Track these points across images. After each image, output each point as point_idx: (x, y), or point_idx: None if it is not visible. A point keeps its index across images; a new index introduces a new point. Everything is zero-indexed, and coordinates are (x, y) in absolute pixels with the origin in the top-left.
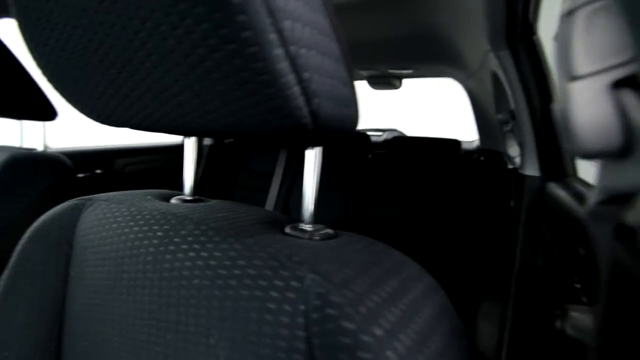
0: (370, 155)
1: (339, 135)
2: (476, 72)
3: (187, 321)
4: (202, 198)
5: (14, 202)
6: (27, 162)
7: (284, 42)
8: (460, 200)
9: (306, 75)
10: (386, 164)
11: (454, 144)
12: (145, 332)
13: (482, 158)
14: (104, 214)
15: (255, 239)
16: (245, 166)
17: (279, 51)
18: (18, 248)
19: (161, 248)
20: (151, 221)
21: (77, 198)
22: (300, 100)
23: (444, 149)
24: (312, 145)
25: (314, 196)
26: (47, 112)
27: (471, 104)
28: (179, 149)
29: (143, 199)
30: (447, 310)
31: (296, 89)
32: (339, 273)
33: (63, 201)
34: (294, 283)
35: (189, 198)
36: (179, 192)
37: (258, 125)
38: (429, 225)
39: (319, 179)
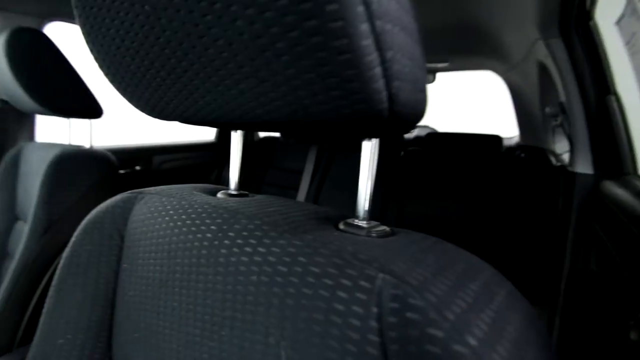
0: (402, 153)
1: (411, 122)
2: (519, 64)
3: (243, 318)
4: (247, 193)
5: (65, 195)
6: (76, 158)
7: (370, 15)
8: (502, 200)
9: (390, 54)
10: (420, 161)
11: (495, 140)
12: (199, 326)
13: (522, 155)
14: (156, 206)
15: (313, 235)
16: (274, 163)
17: (364, 26)
18: (72, 239)
19: (215, 242)
20: (203, 215)
21: (128, 191)
22: (380, 83)
23: (484, 145)
24: (379, 135)
25: (369, 191)
26: (93, 111)
27: (512, 98)
28: (211, 146)
29: (191, 193)
30: (533, 319)
31: (378, 70)
32: (413, 273)
33: (109, 195)
34: (363, 283)
35: (234, 192)
36: (224, 187)
37: (325, 113)
38: (467, 225)
39: (374, 173)
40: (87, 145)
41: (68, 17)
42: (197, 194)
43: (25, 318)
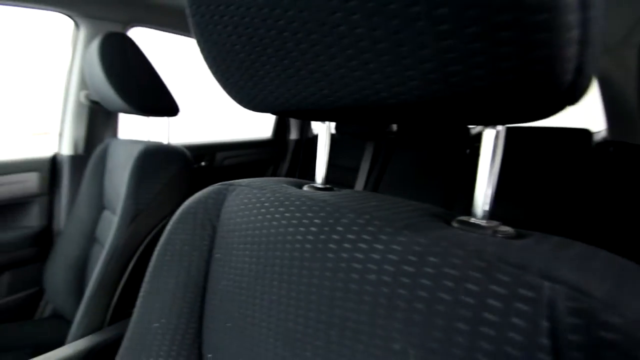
0: (468, 150)
1: (577, 99)
2: (614, 48)
3: (357, 319)
4: (332, 187)
5: (149, 187)
6: (158, 153)
7: None
8: (595, 203)
9: (592, 13)
10: None
11: (584, 134)
12: (301, 323)
13: (610, 149)
14: (249, 198)
15: (437, 233)
16: (329, 161)
17: None
18: (167, 228)
19: (322, 236)
20: (303, 207)
21: (220, 183)
22: (573, 50)
23: (570, 140)
24: (537, 115)
25: (492, 186)
26: (171, 109)
27: (600, 87)
28: (267, 143)
29: (281, 186)
30: None
31: (575, 33)
32: (592, 284)
33: (186, 187)
34: (524, 291)
35: (321, 186)
36: (307, 181)
37: (478, 90)
38: (554, 230)
39: (499, 167)
40: (165, 142)
41: (147, 23)
42: (287, 187)
43: (114, 299)
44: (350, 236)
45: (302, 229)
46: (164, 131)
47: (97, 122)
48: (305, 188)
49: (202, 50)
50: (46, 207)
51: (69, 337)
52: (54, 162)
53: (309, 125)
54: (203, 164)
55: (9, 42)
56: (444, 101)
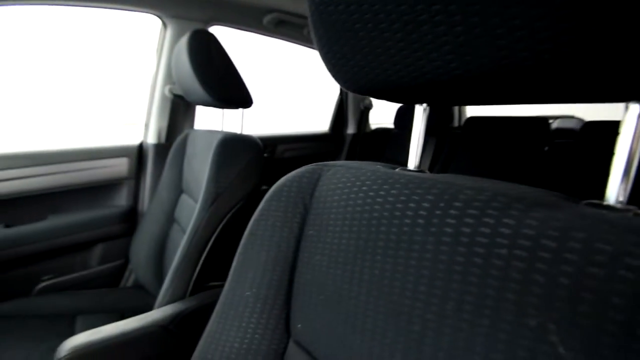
0: (547, 148)
1: None
2: None
3: (482, 293)
4: (426, 171)
5: (227, 173)
6: (235, 141)
7: None
8: None
9: None
10: (573, 156)
11: None
12: (409, 296)
13: None
14: (347, 177)
15: (576, 210)
16: (386, 155)
17: None
18: (260, 205)
19: (437, 212)
20: (410, 185)
21: (313, 164)
22: None
23: None
24: None
25: (635, 165)
26: (246, 101)
27: None
28: (325, 137)
29: (377, 168)
30: None
31: None
32: None
33: (258, 174)
34: None
35: (414, 170)
36: (397, 165)
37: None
38: None
39: None
40: (239, 132)
41: (225, 22)
42: (383, 168)
43: (195, 273)
44: (471, 211)
45: (412, 205)
46: (238, 122)
47: (178, 114)
48: (397, 170)
49: (316, 32)
50: (133, 189)
51: (156, 304)
52: (140, 150)
53: (367, 119)
54: (265, 155)
55: (105, 43)
56: (580, 65)
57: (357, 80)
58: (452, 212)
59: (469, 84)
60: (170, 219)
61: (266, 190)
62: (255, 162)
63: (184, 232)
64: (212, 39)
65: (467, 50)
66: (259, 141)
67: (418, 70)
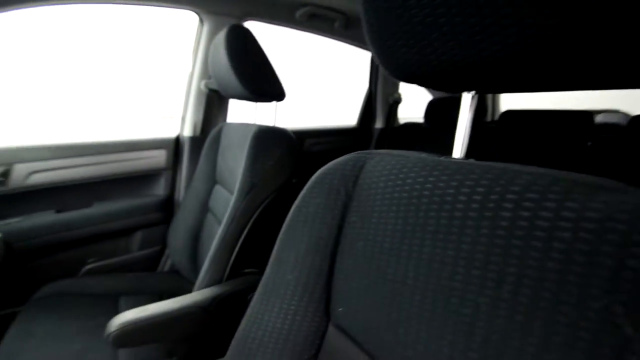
0: (590, 143)
1: None
2: None
3: (540, 276)
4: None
5: (262, 164)
6: (269, 134)
7: None
8: None
9: None
10: (619, 153)
11: None
12: (460, 280)
13: None
14: (392, 165)
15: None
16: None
17: None
18: (302, 192)
19: (492, 196)
20: (462, 171)
21: (357, 152)
22: None
23: None
24: None
25: None
26: (279, 94)
27: None
28: (352, 132)
29: (421, 155)
30: None
31: None
32: None
33: (292, 165)
34: None
35: (460, 158)
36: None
37: None
38: None
39: None
40: (272, 124)
41: (258, 17)
42: (430, 157)
43: (231, 260)
44: (531, 195)
45: (465, 189)
46: (271, 115)
47: (212, 108)
48: (443, 159)
49: (368, 20)
50: (170, 179)
51: (195, 287)
52: (177, 142)
53: (396, 114)
54: None
55: (145, 40)
56: None
57: (407, 68)
58: (510, 196)
59: (529, 65)
60: (204, 209)
61: (296, 183)
62: (289, 154)
63: (217, 221)
64: (248, 34)
65: (532, 29)
66: (292, 134)
67: (475, 53)
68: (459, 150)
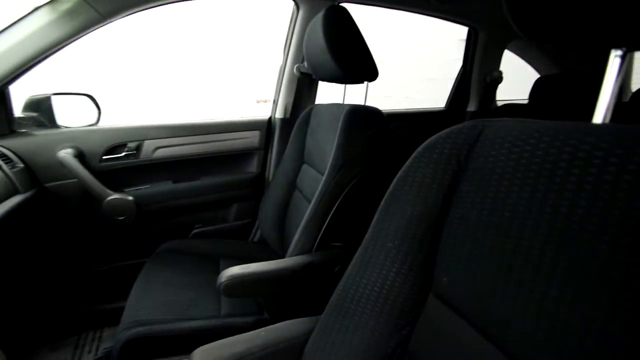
0: None
1: None
2: None
3: None
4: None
5: (353, 142)
6: (361, 112)
7: None
8: None
9: None
10: None
11: None
12: (603, 258)
13: None
14: (520, 131)
15: None
16: None
17: None
18: (408, 162)
19: (636, 158)
20: (609, 137)
21: (471, 121)
22: None
23: None
24: None
25: None
26: (372, 73)
27: None
28: (440, 115)
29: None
30: None
31: None
32: None
33: (383, 144)
34: None
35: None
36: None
37: None
38: None
39: None
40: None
41: None
42: (559, 123)
43: (321, 232)
44: None
45: (598, 153)
46: (362, 94)
47: (303, 91)
48: (583, 123)
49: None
50: (262, 158)
51: (288, 254)
52: (269, 124)
53: (493, 95)
54: None
55: (242, 30)
56: None
57: (545, 23)
58: None
59: None
60: (292, 186)
61: (385, 162)
62: (380, 133)
63: (305, 198)
64: (345, 14)
65: None
66: (383, 113)
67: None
68: (601, 114)
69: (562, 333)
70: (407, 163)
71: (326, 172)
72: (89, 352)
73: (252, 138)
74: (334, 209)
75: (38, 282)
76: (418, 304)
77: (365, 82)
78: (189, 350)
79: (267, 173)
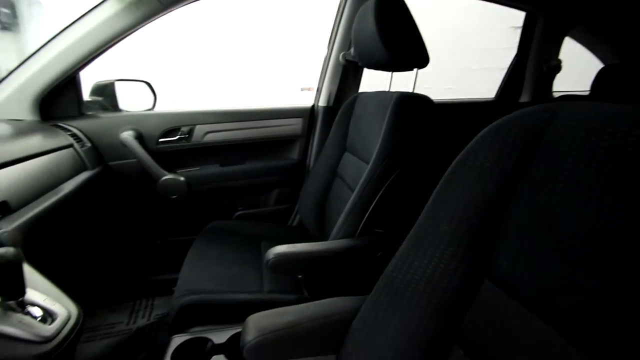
0: None
1: None
2: None
3: None
4: None
5: (402, 130)
6: (411, 100)
7: None
8: None
9: None
10: None
11: None
12: None
13: None
14: (599, 114)
15: None
16: None
17: None
18: (469, 145)
19: None
20: None
21: (539, 105)
22: None
23: None
24: None
25: None
26: (422, 60)
27: None
28: (488, 105)
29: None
30: None
31: None
32: None
33: (434, 132)
34: None
35: None
36: None
37: None
38: None
39: None
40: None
41: None
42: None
43: (364, 218)
44: None
45: None
46: (411, 81)
47: (347, 79)
48: None
49: None
50: (303, 146)
51: (331, 237)
52: (312, 111)
53: (550, 86)
54: None
55: (286, 16)
56: None
57: (619, 8)
58: None
59: None
60: (333, 174)
61: (433, 151)
62: (430, 121)
63: (346, 185)
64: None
65: None
66: (432, 100)
67: None
68: None
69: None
70: (469, 146)
71: (372, 159)
72: (143, 317)
73: (295, 125)
74: (379, 196)
75: (100, 250)
76: (472, 288)
77: (415, 70)
78: (237, 319)
79: (308, 160)
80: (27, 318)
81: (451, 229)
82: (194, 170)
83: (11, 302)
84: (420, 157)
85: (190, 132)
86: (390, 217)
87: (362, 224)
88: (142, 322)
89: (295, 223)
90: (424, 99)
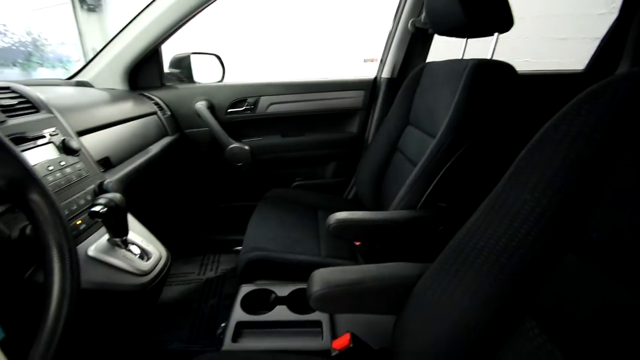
0: None
1: None
2: None
3: None
4: None
5: (478, 99)
6: (490, 67)
7: None
8: None
9: None
10: None
11: None
12: None
13: None
14: None
15: None
16: None
17: None
18: (563, 109)
19: None
20: None
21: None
22: None
23: None
24: None
25: None
26: (504, 24)
27: None
28: (579, 79)
29: None
30: None
31: None
32: None
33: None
34: None
35: None
36: None
37: None
38: None
39: None
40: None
41: None
42: None
43: (427, 191)
44: None
45: None
46: (491, 47)
47: (415, 48)
48: None
49: None
50: (363, 119)
51: (391, 207)
52: (374, 84)
53: None
54: None
55: None
56: None
57: None
58: None
59: None
60: (393, 148)
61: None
62: (510, 91)
63: (407, 159)
64: None
65: None
66: (512, 66)
67: None
68: None
69: None
70: (564, 109)
71: (441, 130)
72: (210, 270)
73: (356, 98)
74: (444, 169)
75: (176, 209)
76: (552, 260)
77: (495, 35)
78: (297, 277)
79: (367, 134)
80: (130, 254)
81: (535, 198)
82: (257, 140)
83: (117, 240)
84: (493, 131)
85: (255, 104)
86: (454, 192)
87: (424, 197)
88: (210, 274)
89: (350, 196)
90: (505, 66)
